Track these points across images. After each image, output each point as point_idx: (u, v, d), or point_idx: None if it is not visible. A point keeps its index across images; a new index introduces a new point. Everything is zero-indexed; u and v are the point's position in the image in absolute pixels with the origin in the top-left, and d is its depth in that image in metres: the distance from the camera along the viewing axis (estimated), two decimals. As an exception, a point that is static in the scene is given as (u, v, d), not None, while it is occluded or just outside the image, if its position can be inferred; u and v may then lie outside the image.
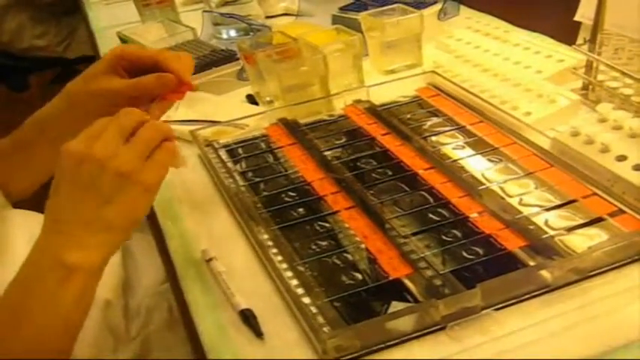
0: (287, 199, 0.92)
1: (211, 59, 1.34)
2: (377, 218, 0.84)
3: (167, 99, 0.86)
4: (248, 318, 0.73)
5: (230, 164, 1.03)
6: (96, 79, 0.87)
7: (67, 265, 0.66)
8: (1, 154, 0.93)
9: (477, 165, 0.94)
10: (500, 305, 0.71)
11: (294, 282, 0.76)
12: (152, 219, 0.98)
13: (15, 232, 0.89)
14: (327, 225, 0.86)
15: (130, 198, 0.68)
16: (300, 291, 0.74)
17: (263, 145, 1.07)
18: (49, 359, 0.67)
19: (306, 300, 0.73)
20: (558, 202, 0.84)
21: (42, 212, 0.96)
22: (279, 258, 0.80)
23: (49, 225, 0.69)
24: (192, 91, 0.87)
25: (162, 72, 0.84)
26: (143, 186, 0.69)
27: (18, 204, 0.95)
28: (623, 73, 1.02)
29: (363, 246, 0.81)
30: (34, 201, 0.95)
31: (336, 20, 1.47)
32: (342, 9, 1.51)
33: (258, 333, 0.71)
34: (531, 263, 0.75)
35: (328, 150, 1.02)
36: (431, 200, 0.88)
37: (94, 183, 0.67)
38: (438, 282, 0.73)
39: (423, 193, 0.89)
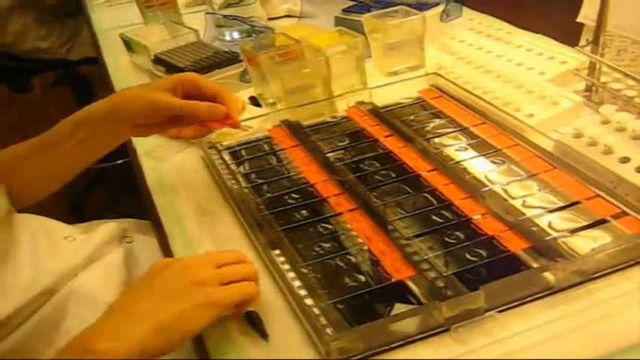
0: (290, 200, 0.92)
1: (214, 61, 1.34)
2: (380, 220, 0.85)
3: (208, 125, 0.95)
4: (253, 320, 0.73)
5: (233, 166, 1.03)
6: (153, 90, 0.92)
7: (92, 350, 0.64)
8: (22, 157, 0.94)
9: (479, 167, 0.94)
10: (504, 307, 0.71)
11: (298, 284, 0.76)
12: (156, 221, 0.98)
13: (19, 237, 0.89)
14: (330, 227, 0.86)
15: (190, 306, 0.68)
16: (303, 293, 0.74)
17: (266, 147, 1.07)
18: None
19: (310, 302, 0.73)
20: (561, 204, 0.84)
21: (46, 216, 0.97)
22: (283, 260, 0.80)
23: (104, 315, 0.69)
24: (233, 127, 0.95)
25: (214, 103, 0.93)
26: (208, 299, 0.69)
27: (30, 207, 0.96)
28: (626, 75, 1.02)
29: (366, 248, 0.81)
30: (39, 206, 0.95)
31: (338, 22, 1.47)
32: (345, 11, 1.51)
33: (263, 334, 0.71)
34: (535, 265, 0.75)
35: (331, 152, 1.02)
36: (434, 202, 0.88)
37: (166, 283, 0.69)
38: (441, 284, 0.73)
39: (426, 194, 0.89)
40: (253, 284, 0.75)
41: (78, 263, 0.91)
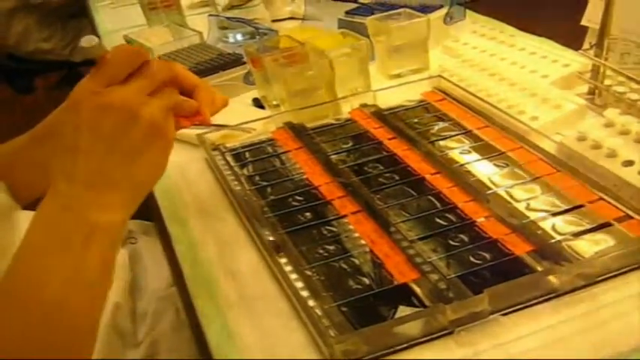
0: (294, 203, 0.92)
1: (218, 63, 1.35)
2: (384, 223, 0.85)
3: (176, 122, 0.86)
4: None
5: (237, 168, 1.03)
6: None
7: (91, 224, 0.62)
8: (18, 150, 0.94)
9: (483, 169, 0.94)
10: (508, 310, 0.71)
11: (301, 286, 0.76)
12: (159, 223, 0.98)
13: (22, 234, 0.89)
14: (333, 229, 0.86)
15: (157, 152, 0.67)
16: (307, 295, 0.74)
17: (270, 149, 1.08)
18: (72, 331, 0.62)
19: (313, 304, 0.73)
20: (565, 207, 0.84)
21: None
22: (286, 262, 0.80)
23: (64, 184, 0.64)
24: (203, 124, 0.89)
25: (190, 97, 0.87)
26: (168, 139, 0.68)
27: (28, 206, 0.96)
28: (630, 78, 1.02)
29: (369, 250, 0.81)
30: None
31: (342, 24, 1.47)
32: (348, 13, 1.51)
33: None
34: (538, 268, 0.75)
35: (335, 154, 1.03)
36: (438, 205, 0.88)
37: (125, 134, 0.64)
38: (444, 287, 0.73)
39: (430, 197, 0.90)
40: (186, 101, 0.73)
41: None
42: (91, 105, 0.64)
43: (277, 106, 1.22)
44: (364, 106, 1.16)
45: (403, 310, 0.72)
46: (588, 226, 0.81)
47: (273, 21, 1.72)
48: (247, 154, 1.07)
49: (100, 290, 0.64)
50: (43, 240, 0.63)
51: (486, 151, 0.99)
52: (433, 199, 0.89)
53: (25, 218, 0.91)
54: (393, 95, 1.18)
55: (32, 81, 3.07)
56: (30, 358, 0.58)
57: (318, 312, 0.72)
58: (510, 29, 1.42)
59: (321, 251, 0.82)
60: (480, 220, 0.83)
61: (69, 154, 0.64)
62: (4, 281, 0.62)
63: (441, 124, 1.08)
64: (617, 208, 0.83)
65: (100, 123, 0.64)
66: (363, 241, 0.83)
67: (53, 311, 0.60)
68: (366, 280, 0.77)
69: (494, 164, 0.95)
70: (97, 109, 0.64)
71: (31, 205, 0.94)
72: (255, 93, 1.29)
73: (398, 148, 1.02)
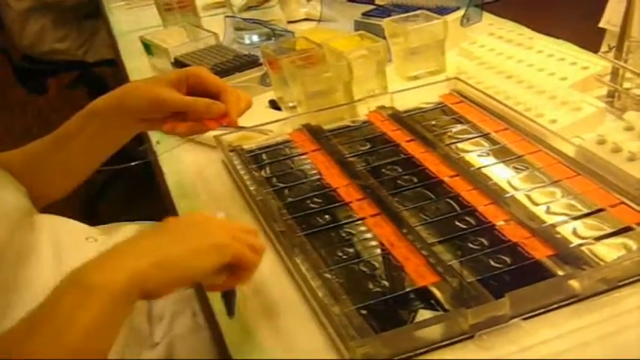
0: (312, 205, 0.92)
1: (234, 64, 1.35)
2: (403, 225, 0.84)
3: (204, 124, 0.91)
4: (227, 295, 0.73)
5: (254, 170, 1.03)
6: (157, 84, 0.91)
7: (85, 285, 0.61)
8: (38, 154, 0.95)
9: (502, 173, 0.94)
10: (529, 315, 0.70)
11: (321, 289, 0.76)
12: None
13: (40, 237, 0.89)
14: (352, 232, 0.86)
15: (195, 246, 0.67)
16: (326, 298, 0.74)
17: (287, 151, 1.07)
18: None
19: (333, 307, 0.73)
20: (585, 211, 0.84)
21: (67, 217, 0.97)
22: (305, 265, 0.80)
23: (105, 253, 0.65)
24: (230, 126, 0.93)
25: (217, 100, 0.91)
26: (215, 242, 0.68)
27: (44, 209, 0.96)
28: (650, 81, 1.01)
29: (388, 253, 0.81)
30: (53, 208, 0.95)
31: (358, 26, 1.47)
32: (365, 15, 1.50)
33: (230, 312, 0.72)
34: (559, 272, 0.75)
35: (352, 156, 1.02)
36: (457, 208, 0.87)
37: (176, 227, 0.69)
38: (465, 290, 0.73)
39: (449, 200, 0.89)
40: (258, 255, 0.72)
41: None
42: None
43: (294, 107, 1.21)
44: (381, 108, 1.16)
45: (423, 314, 0.71)
46: (609, 230, 0.80)
47: (289, 22, 1.72)
48: (264, 156, 1.07)
49: (85, 351, 0.60)
50: (47, 296, 0.62)
51: (505, 154, 0.98)
52: (452, 202, 0.89)
53: (42, 221, 0.91)
54: (410, 97, 1.18)
55: (45, 81, 3.08)
56: None
57: (339, 315, 0.71)
58: (528, 31, 1.42)
59: (339, 254, 0.82)
60: (500, 223, 0.83)
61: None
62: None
63: (459, 127, 1.08)
64: (638, 212, 0.82)
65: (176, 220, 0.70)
66: (382, 244, 0.82)
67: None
68: (386, 283, 0.77)
69: (513, 167, 0.95)
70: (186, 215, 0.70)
71: (48, 208, 0.94)
72: (271, 94, 1.29)
73: (416, 150, 1.01)
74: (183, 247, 0.66)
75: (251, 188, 0.97)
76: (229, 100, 0.91)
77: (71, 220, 0.98)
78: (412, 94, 1.19)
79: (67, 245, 0.91)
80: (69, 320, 0.59)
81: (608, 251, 0.77)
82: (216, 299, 0.79)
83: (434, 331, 0.69)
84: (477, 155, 0.99)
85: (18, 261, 0.81)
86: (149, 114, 0.92)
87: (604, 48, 1.20)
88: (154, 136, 1.18)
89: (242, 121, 1.09)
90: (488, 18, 1.53)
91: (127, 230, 1.01)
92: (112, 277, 0.61)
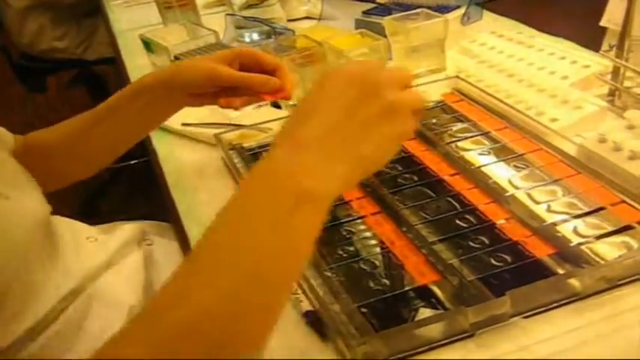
0: (312, 203, 0.92)
1: (234, 62, 1.34)
2: (403, 224, 0.84)
3: (259, 97, 0.97)
4: (315, 320, 0.73)
5: (254, 168, 1.02)
6: (211, 60, 0.94)
7: (303, 190, 0.57)
8: (76, 129, 0.98)
9: (502, 171, 0.94)
10: (529, 313, 0.70)
11: (321, 287, 0.76)
12: (176, 222, 0.98)
13: (60, 241, 0.89)
14: (353, 230, 0.86)
15: (390, 134, 0.62)
16: (327, 297, 0.74)
17: (287, 149, 1.07)
18: (274, 293, 0.57)
19: (333, 306, 0.73)
20: (586, 210, 0.84)
21: (66, 216, 0.97)
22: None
23: (290, 143, 0.60)
24: (285, 99, 0.99)
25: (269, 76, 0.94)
26: (405, 128, 0.63)
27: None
28: (651, 80, 1.01)
29: (389, 252, 0.80)
30: (59, 205, 0.95)
31: (359, 24, 1.47)
32: (366, 13, 1.50)
33: (322, 334, 0.72)
34: (560, 271, 0.74)
35: (353, 154, 1.02)
36: (457, 206, 0.87)
37: (365, 106, 0.61)
38: (465, 289, 0.73)
39: (449, 199, 0.89)
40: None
41: (100, 264, 0.91)
42: (338, 74, 0.63)
43: (294, 105, 1.21)
44: (381, 106, 1.15)
45: (424, 312, 0.71)
46: (610, 229, 0.80)
47: (289, 20, 1.71)
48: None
49: (303, 256, 0.59)
50: (248, 204, 0.60)
51: (505, 152, 0.98)
52: (452, 201, 0.88)
53: (60, 223, 0.91)
54: (410, 96, 1.17)
55: (44, 80, 3.07)
56: (220, 321, 0.53)
57: (339, 314, 0.71)
58: (528, 30, 1.42)
59: (340, 252, 0.82)
60: (500, 222, 0.83)
61: (302, 117, 0.62)
62: (203, 247, 0.58)
63: (460, 125, 1.07)
64: (638, 210, 0.82)
65: (344, 91, 0.62)
66: (382, 243, 0.82)
67: (256, 270, 0.56)
68: (386, 282, 0.76)
69: (514, 166, 0.95)
70: (343, 78, 0.62)
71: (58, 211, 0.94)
72: (271, 92, 1.29)
73: (416, 149, 1.01)
74: (372, 145, 0.61)
75: (251, 186, 0.97)
76: (285, 75, 0.95)
77: (73, 220, 0.98)
78: (412, 93, 1.18)
79: (70, 246, 0.91)
80: (284, 223, 0.57)
81: (609, 250, 0.77)
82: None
83: (434, 330, 0.69)
84: (477, 154, 0.99)
85: (37, 262, 0.81)
86: (202, 88, 0.95)
87: (605, 46, 1.20)
88: (154, 135, 1.18)
89: (242, 120, 1.10)
90: (488, 16, 1.53)
91: (126, 229, 1.01)
92: (327, 185, 0.59)
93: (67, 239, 0.90)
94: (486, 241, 0.80)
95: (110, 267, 0.93)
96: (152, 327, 0.51)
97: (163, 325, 0.51)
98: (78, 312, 0.83)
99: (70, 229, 0.94)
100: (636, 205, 0.83)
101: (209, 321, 0.52)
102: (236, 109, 0.98)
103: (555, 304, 0.71)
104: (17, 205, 0.78)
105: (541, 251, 0.77)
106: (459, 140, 1.03)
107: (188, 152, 1.13)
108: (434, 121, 1.10)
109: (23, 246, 0.76)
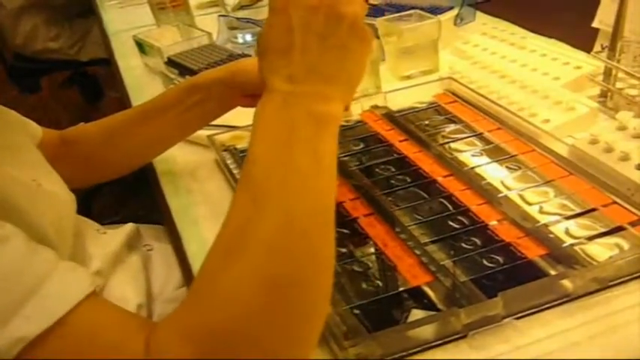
0: (305, 204, 0.92)
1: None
2: (396, 225, 0.84)
3: None
4: None
5: (247, 169, 1.02)
6: None
7: (318, 115, 0.63)
8: (120, 127, 1.00)
9: (495, 172, 0.94)
10: (522, 314, 0.71)
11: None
12: (170, 224, 0.98)
13: (82, 230, 0.89)
14: (345, 231, 0.86)
15: (361, 50, 0.68)
16: (319, 298, 0.74)
17: (280, 151, 1.07)
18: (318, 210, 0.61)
19: (326, 307, 0.73)
20: (578, 211, 0.84)
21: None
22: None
23: (282, 82, 0.65)
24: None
25: None
26: (368, 40, 0.69)
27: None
28: (642, 81, 1.01)
29: (381, 253, 0.81)
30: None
31: (352, 25, 1.46)
32: (358, 14, 1.50)
33: None
34: (552, 272, 0.75)
35: (345, 156, 1.02)
36: (450, 208, 0.87)
37: (334, 32, 0.65)
38: (457, 290, 0.73)
39: (442, 200, 0.89)
40: None
41: (116, 250, 0.92)
42: (300, 6, 0.66)
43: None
44: (375, 107, 1.16)
45: (416, 314, 0.71)
46: (602, 230, 0.80)
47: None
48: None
49: (333, 175, 0.63)
50: (271, 140, 0.63)
51: (498, 153, 0.98)
52: (445, 202, 0.89)
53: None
54: (403, 97, 1.18)
55: (38, 80, 3.07)
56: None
57: (332, 315, 0.71)
58: (521, 31, 1.42)
59: (333, 253, 0.82)
60: (493, 223, 0.83)
61: (282, 55, 0.66)
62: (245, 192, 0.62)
63: (452, 127, 1.08)
64: (630, 211, 0.82)
65: (311, 21, 0.65)
66: (375, 244, 0.82)
67: (300, 194, 0.60)
68: (379, 283, 0.77)
69: (506, 167, 0.95)
70: (306, 9, 0.66)
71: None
72: (265, 94, 1.29)
73: (409, 150, 1.01)
74: (359, 65, 0.69)
75: (244, 188, 0.97)
76: None
77: (82, 217, 0.98)
78: (405, 94, 1.19)
79: (89, 234, 0.92)
80: (312, 146, 0.62)
81: (601, 251, 0.77)
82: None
83: (427, 331, 0.69)
84: (470, 155, 0.99)
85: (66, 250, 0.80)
86: (260, 89, 0.93)
87: (597, 48, 1.20)
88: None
89: (235, 121, 1.10)
90: (481, 17, 1.53)
91: (126, 229, 1.01)
92: (335, 107, 0.66)
93: (84, 229, 0.90)
94: (479, 242, 0.80)
95: (118, 266, 0.92)
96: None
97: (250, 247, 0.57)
98: None
99: (83, 221, 0.94)
100: (628, 206, 0.83)
101: (285, 239, 0.57)
102: None
103: (547, 305, 0.71)
104: (50, 190, 0.77)
105: (533, 252, 0.77)
106: (451, 141, 1.03)
107: (181, 153, 1.13)
108: (427, 122, 1.10)
109: (58, 232, 0.75)
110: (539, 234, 0.80)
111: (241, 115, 1.01)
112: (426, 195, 0.91)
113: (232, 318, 0.54)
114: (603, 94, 1.11)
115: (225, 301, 0.55)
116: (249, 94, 0.95)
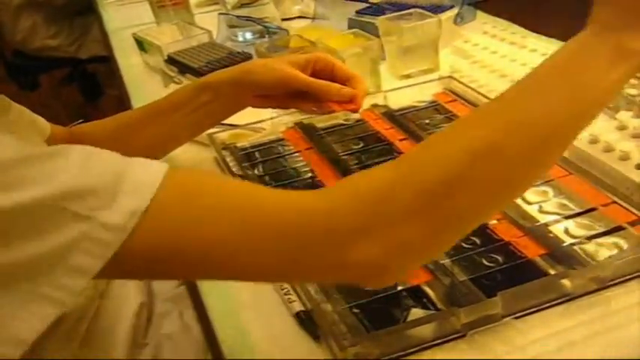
0: (305, 203, 0.92)
1: (228, 62, 1.34)
2: (395, 224, 0.84)
3: (328, 106, 0.94)
4: (303, 320, 0.73)
5: (247, 168, 1.02)
6: (286, 63, 0.93)
7: (623, 48, 0.61)
8: (129, 125, 0.99)
9: (495, 171, 0.94)
10: (521, 314, 0.71)
11: (313, 288, 0.76)
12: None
13: None
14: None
15: None
16: (319, 297, 0.74)
17: (280, 149, 1.07)
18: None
19: (325, 306, 0.73)
20: (578, 210, 0.84)
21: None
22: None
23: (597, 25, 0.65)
24: (353, 112, 0.96)
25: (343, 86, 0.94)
26: None
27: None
28: (642, 81, 1.01)
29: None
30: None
31: (352, 24, 1.46)
32: (359, 13, 1.50)
33: (314, 335, 0.71)
34: (551, 271, 0.75)
35: (345, 154, 1.02)
36: (449, 207, 0.87)
37: None
38: (457, 289, 0.73)
39: (442, 199, 0.89)
40: None
41: None
42: None
43: (287, 105, 1.21)
44: (375, 106, 1.16)
45: (415, 313, 0.71)
46: (601, 230, 0.80)
47: (283, 20, 1.71)
48: (257, 154, 1.07)
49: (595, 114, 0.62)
50: (572, 57, 0.64)
51: (498, 152, 0.98)
52: (445, 201, 0.88)
53: None
54: (403, 96, 1.18)
55: (37, 78, 3.07)
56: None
57: (331, 314, 0.71)
58: (521, 30, 1.42)
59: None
60: (493, 222, 0.83)
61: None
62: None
63: (452, 126, 1.07)
64: (629, 211, 0.83)
65: None
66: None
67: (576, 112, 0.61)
68: (378, 282, 0.76)
69: (506, 166, 0.94)
70: None
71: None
72: (264, 92, 1.29)
73: (409, 149, 1.01)
74: None
75: (244, 186, 0.97)
76: (359, 88, 0.94)
77: None
78: (405, 93, 1.19)
79: None
80: (603, 76, 0.61)
81: (600, 250, 0.77)
82: (209, 296, 0.79)
83: (426, 330, 0.69)
84: (469, 154, 0.99)
85: None
86: (272, 90, 0.94)
87: (597, 47, 1.20)
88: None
89: (235, 119, 1.10)
90: (481, 17, 1.53)
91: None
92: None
93: None
94: (478, 242, 0.80)
95: None
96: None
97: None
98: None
99: None
100: (627, 205, 0.83)
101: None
102: (305, 112, 1.01)
103: (547, 305, 0.72)
104: None
105: (532, 252, 0.77)
106: (451, 140, 1.03)
107: (181, 151, 1.12)
108: (427, 121, 1.10)
109: None
110: (538, 233, 0.80)
111: (241, 114, 1.01)
112: (425, 194, 0.91)
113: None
114: (603, 94, 1.11)
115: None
116: (260, 94, 0.95)
